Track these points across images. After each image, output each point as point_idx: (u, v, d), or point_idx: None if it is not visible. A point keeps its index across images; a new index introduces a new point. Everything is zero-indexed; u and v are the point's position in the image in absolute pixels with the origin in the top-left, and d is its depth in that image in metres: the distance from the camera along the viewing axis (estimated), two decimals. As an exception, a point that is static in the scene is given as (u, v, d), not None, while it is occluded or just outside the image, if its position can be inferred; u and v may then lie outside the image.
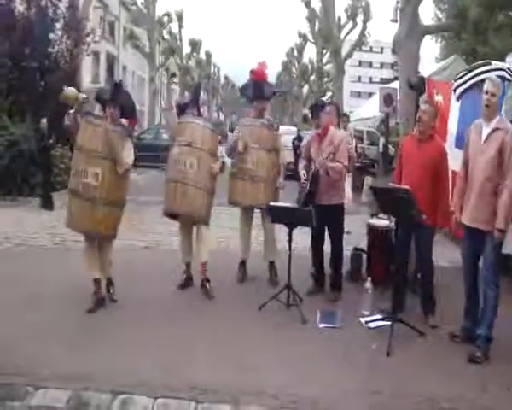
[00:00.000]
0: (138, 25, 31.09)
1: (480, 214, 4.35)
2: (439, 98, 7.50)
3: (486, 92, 4.37)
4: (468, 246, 4.60)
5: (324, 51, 35.09)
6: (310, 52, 69.54)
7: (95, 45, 17.49)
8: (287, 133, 20.01)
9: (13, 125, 13.00)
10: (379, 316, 5.09)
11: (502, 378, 4.07)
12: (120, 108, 5.24)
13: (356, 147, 10.02)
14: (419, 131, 5.15)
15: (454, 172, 5.59)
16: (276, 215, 5.54)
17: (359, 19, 27.10)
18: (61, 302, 5.31)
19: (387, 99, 11.57)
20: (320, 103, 6.09)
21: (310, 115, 6.02)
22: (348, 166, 6.34)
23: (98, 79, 31.03)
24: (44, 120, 11.32)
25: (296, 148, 14.79)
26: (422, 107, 5.23)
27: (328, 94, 35.53)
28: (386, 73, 66.69)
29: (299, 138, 16.31)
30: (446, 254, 7.01)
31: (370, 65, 78.47)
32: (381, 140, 15.41)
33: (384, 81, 45.04)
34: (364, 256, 6.54)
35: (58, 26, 15.07)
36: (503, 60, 7.23)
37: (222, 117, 70.62)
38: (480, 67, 6.62)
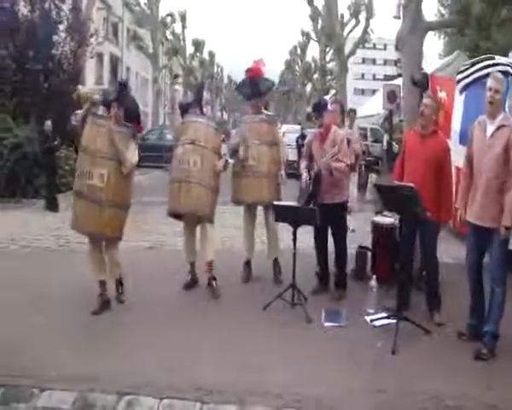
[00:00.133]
0: (141, 26, 31.11)
1: (486, 212, 4.32)
2: (442, 95, 7.48)
3: (490, 89, 4.34)
4: (473, 243, 4.58)
5: (327, 49, 35.03)
6: (313, 50, 69.55)
7: (98, 47, 17.51)
8: (290, 132, 20.02)
9: (17, 127, 13.06)
10: (384, 314, 5.07)
11: (507, 376, 4.05)
12: (125, 111, 5.21)
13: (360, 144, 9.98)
14: (421, 126, 5.14)
15: (458, 169, 5.58)
16: (281, 214, 5.53)
17: (362, 16, 27.02)
18: (66, 304, 5.32)
19: (391, 96, 11.53)
20: (323, 102, 6.08)
21: (313, 113, 6.00)
22: (354, 166, 6.34)
23: (102, 81, 31.06)
24: (49, 122, 11.36)
25: (300, 146, 14.77)
26: (424, 101, 5.21)
27: (332, 92, 35.46)
28: (390, 70, 66.41)
29: (302, 137, 16.27)
30: (451, 251, 6.99)
31: (374, 62, 78.28)
32: (385, 137, 15.35)
33: (387, 78, 44.88)
34: (369, 254, 6.53)
35: (61, 28, 15.10)
36: (506, 55, 7.22)
37: (225, 116, 70.71)
38: (483, 61, 6.59)
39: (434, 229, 5.06)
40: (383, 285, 5.63)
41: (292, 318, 5.09)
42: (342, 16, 26.18)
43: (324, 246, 5.87)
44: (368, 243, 6.71)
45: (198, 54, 44.45)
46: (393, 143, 12.66)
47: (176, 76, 39.86)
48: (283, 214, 5.51)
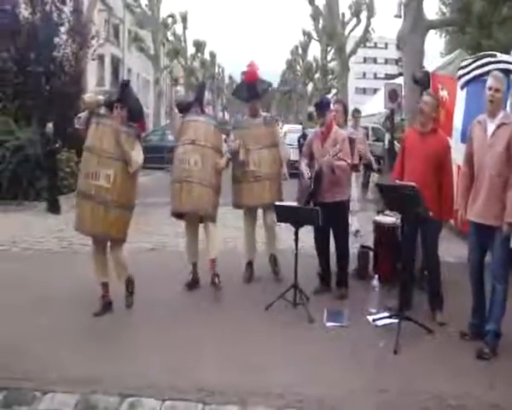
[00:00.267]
0: (143, 27, 31.13)
1: (489, 210, 4.32)
2: (443, 93, 7.47)
3: (490, 88, 4.35)
4: (475, 242, 4.57)
5: (329, 49, 35.03)
6: (314, 50, 69.50)
7: (99, 48, 17.51)
8: (292, 131, 20.01)
9: (19, 129, 13.08)
10: (386, 314, 5.07)
11: (510, 375, 4.05)
12: (128, 110, 5.18)
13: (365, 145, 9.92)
14: (420, 123, 5.14)
15: (459, 167, 5.56)
16: (282, 215, 5.53)
17: (363, 15, 27.00)
18: (68, 306, 5.32)
19: (392, 95, 11.55)
20: (325, 101, 6.08)
21: (315, 113, 6.00)
22: (358, 166, 6.34)
23: (103, 82, 31.09)
24: (50, 125, 11.37)
25: (301, 146, 14.73)
26: (424, 98, 5.20)
27: (333, 91, 35.46)
28: (391, 69, 66.46)
29: (304, 136, 16.23)
30: (453, 250, 6.98)
31: (375, 61, 78.20)
32: (387, 136, 15.35)
33: (389, 77, 44.87)
34: (371, 254, 6.52)
35: (63, 30, 15.10)
36: (507, 53, 7.19)
37: (227, 116, 70.72)
38: (484, 57, 6.58)
39: (436, 228, 5.05)
40: (385, 285, 5.63)
41: (294, 318, 5.09)
42: (343, 15, 26.20)
43: (326, 246, 5.86)
44: (370, 242, 6.70)
45: (199, 54, 44.44)
46: (395, 143, 12.65)
47: (175, 80, 39.89)
48: (285, 215, 5.51)
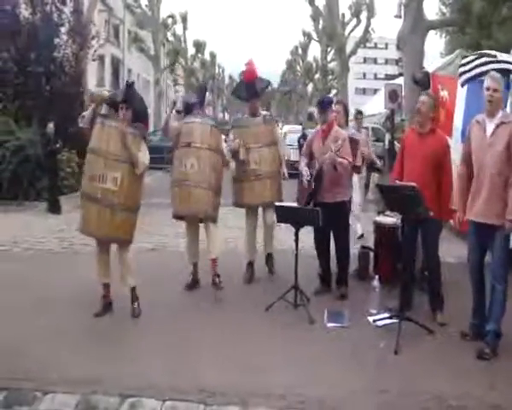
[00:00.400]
0: (143, 27, 31.15)
1: (491, 209, 4.32)
2: (444, 93, 7.47)
3: (488, 89, 4.36)
4: (474, 242, 4.57)
5: (329, 49, 35.05)
6: (314, 50, 69.59)
7: (100, 49, 17.51)
8: (292, 132, 20.02)
9: (19, 129, 13.08)
10: (387, 314, 5.06)
11: (510, 375, 4.04)
12: (133, 112, 5.14)
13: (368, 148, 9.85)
14: (418, 123, 5.15)
15: (459, 167, 5.55)
16: (283, 215, 5.53)
17: (363, 16, 27.03)
18: (68, 306, 5.32)
19: (393, 95, 11.52)
20: (327, 100, 6.10)
21: (317, 110, 6.00)
22: (360, 168, 6.34)
23: (103, 83, 31.09)
24: (51, 125, 11.37)
25: (301, 146, 14.73)
26: (421, 98, 5.20)
27: (333, 92, 35.46)
28: (391, 70, 66.38)
29: (304, 137, 16.23)
30: (453, 250, 6.98)
31: (375, 61, 78.20)
32: (387, 137, 15.34)
33: (389, 77, 44.88)
34: (371, 254, 6.52)
35: (63, 30, 15.11)
36: (507, 53, 7.19)
37: (227, 117, 70.74)
38: (485, 56, 6.57)
39: (436, 228, 5.05)
40: (386, 285, 5.63)
41: (294, 319, 5.09)
42: (343, 16, 26.22)
43: (326, 246, 5.86)
44: (370, 243, 6.70)
45: (199, 55, 44.50)
46: (395, 143, 12.64)
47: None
48: (285, 215, 5.50)
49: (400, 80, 12.13)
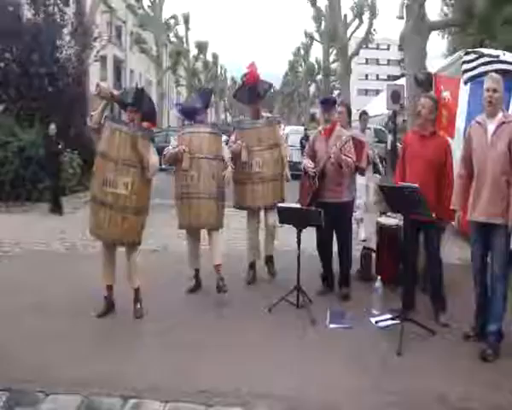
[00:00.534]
0: (145, 28, 31.19)
1: (493, 209, 4.32)
2: (446, 94, 7.45)
3: (488, 90, 4.38)
4: (477, 243, 4.56)
5: (331, 50, 35.00)
6: (316, 51, 69.51)
7: (102, 50, 17.54)
8: (293, 133, 20.02)
9: (22, 130, 13.10)
10: (389, 315, 5.06)
11: (514, 376, 4.03)
12: (141, 114, 5.15)
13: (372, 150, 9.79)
14: (419, 126, 5.15)
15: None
16: (285, 216, 5.53)
17: (365, 16, 26.97)
18: (71, 307, 5.32)
19: (395, 96, 11.51)
20: (332, 99, 6.12)
21: (321, 109, 6.01)
22: (365, 169, 6.34)
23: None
24: (53, 126, 11.39)
25: (304, 147, 14.75)
26: (421, 101, 5.19)
27: (336, 93, 35.43)
28: (393, 70, 66.43)
29: (306, 138, 16.27)
30: (455, 251, 6.98)
31: (377, 62, 78.19)
32: (389, 138, 15.32)
33: (391, 78, 44.89)
34: (374, 255, 6.51)
35: (65, 31, 15.14)
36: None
37: (229, 118, 70.78)
38: (486, 55, 6.56)
39: (438, 229, 5.05)
40: (388, 286, 5.60)
41: (297, 320, 5.08)
42: (345, 17, 26.10)
43: (328, 247, 5.85)
44: (372, 243, 6.69)
45: (201, 56, 44.51)
46: (397, 144, 12.63)
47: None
48: (287, 216, 5.50)
49: (402, 81, 12.12)
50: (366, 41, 27.22)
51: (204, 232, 5.89)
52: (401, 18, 8.61)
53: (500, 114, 4.39)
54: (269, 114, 6.60)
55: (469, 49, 7.07)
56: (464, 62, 6.75)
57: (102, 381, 3.86)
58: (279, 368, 4.12)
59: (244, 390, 3.77)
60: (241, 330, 4.86)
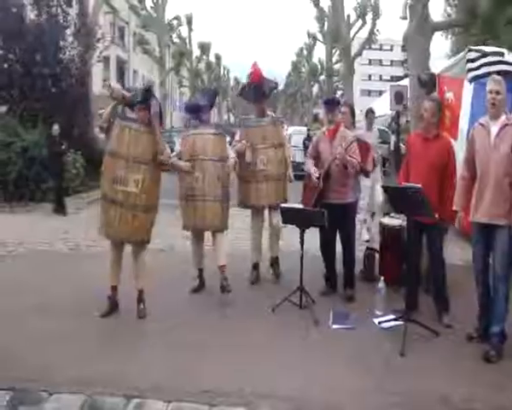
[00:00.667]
0: (148, 29, 31.20)
1: (496, 210, 4.33)
2: (449, 95, 7.44)
3: (491, 92, 4.39)
4: (479, 243, 4.56)
5: (334, 50, 34.99)
6: (319, 52, 69.62)
7: (105, 50, 17.55)
8: (296, 133, 20.03)
9: (25, 131, 13.12)
10: (392, 316, 5.06)
11: (517, 377, 4.02)
12: (150, 112, 5.13)
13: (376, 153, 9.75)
14: (423, 129, 5.15)
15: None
16: (288, 217, 5.53)
17: (369, 17, 26.94)
18: (74, 307, 5.32)
19: (398, 97, 11.48)
20: (336, 99, 6.13)
21: (324, 109, 6.00)
22: (370, 172, 6.34)
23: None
24: (56, 126, 11.40)
25: (307, 148, 14.75)
26: (424, 104, 5.19)
27: (339, 93, 35.41)
28: (397, 71, 66.29)
29: (309, 138, 16.27)
30: (458, 252, 6.97)
31: (380, 63, 78.13)
32: (393, 138, 15.31)
33: (394, 79, 44.81)
34: (377, 256, 6.50)
35: (68, 32, 15.17)
36: (514, 53, 7.15)
37: (232, 118, 70.81)
38: (490, 55, 6.54)
39: (441, 230, 5.05)
40: (391, 287, 5.59)
41: (300, 320, 5.08)
42: (348, 17, 26.09)
43: (332, 248, 5.85)
44: (376, 244, 6.68)
45: (204, 57, 44.54)
46: (401, 145, 12.61)
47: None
48: (291, 217, 5.50)
49: (406, 82, 12.10)
50: (369, 41, 27.18)
51: (208, 233, 5.89)
52: (404, 18, 8.60)
53: (503, 117, 4.41)
54: (273, 114, 6.59)
55: (472, 47, 7.04)
56: (468, 61, 6.74)
57: (105, 380, 3.87)
58: (282, 368, 4.13)
59: (247, 390, 3.77)
60: (244, 331, 4.86)
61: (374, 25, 26.51)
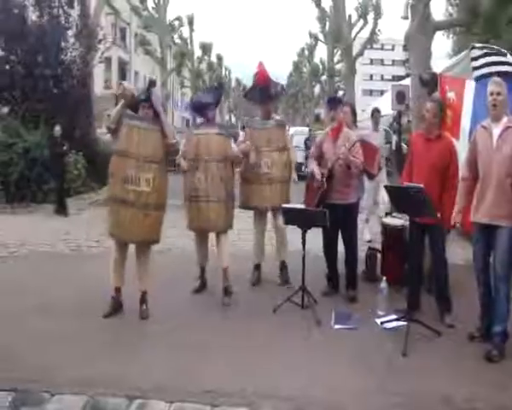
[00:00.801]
0: (149, 30, 31.22)
1: (498, 210, 4.32)
2: (451, 95, 7.42)
3: (492, 93, 4.40)
4: (479, 242, 4.56)
5: (335, 50, 34.98)
6: (321, 52, 69.62)
7: (106, 51, 17.58)
8: (298, 134, 20.03)
9: (27, 132, 13.16)
10: (394, 316, 5.05)
11: (520, 377, 4.01)
12: (154, 111, 5.12)
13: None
14: (425, 130, 5.15)
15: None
16: (290, 217, 5.52)
17: (370, 17, 26.90)
18: (76, 308, 5.33)
19: (400, 97, 11.47)
20: (338, 98, 6.14)
21: (326, 108, 6.01)
22: (375, 175, 6.34)
23: (110, 85, 31.22)
24: (58, 127, 11.43)
25: (308, 148, 14.77)
26: (426, 105, 5.18)
27: (340, 93, 35.38)
28: (398, 71, 66.25)
29: (310, 138, 16.28)
30: (458, 253, 6.96)
31: (382, 63, 78.08)
32: (394, 138, 15.30)
33: (396, 78, 44.77)
34: (379, 256, 6.49)
35: (70, 33, 15.20)
36: (516, 53, 7.13)
37: (234, 119, 70.81)
38: (492, 54, 6.53)
39: (443, 230, 5.03)
40: (393, 287, 5.59)
41: (302, 320, 5.07)
42: (350, 17, 26.06)
43: (334, 248, 5.85)
44: (378, 244, 6.67)
45: (206, 57, 44.52)
46: (403, 145, 12.59)
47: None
48: (292, 217, 5.49)
49: (407, 81, 12.09)
50: (371, 41, 27.15)
51: (212, 233, 5.88)
52: (406, 18, 8.57)
53: (505, 119, 4.42)
54: (278, 117, 6.57)
55: (476, 44, 7.02)
56: (473, 59, 6.73)
57: (108, 381, 3.87)
58: (284, 369, 4.12)
59: (249, 390, 3.77)
60: (246, 331, 4.86)
61: (375, 25, 26.47)
